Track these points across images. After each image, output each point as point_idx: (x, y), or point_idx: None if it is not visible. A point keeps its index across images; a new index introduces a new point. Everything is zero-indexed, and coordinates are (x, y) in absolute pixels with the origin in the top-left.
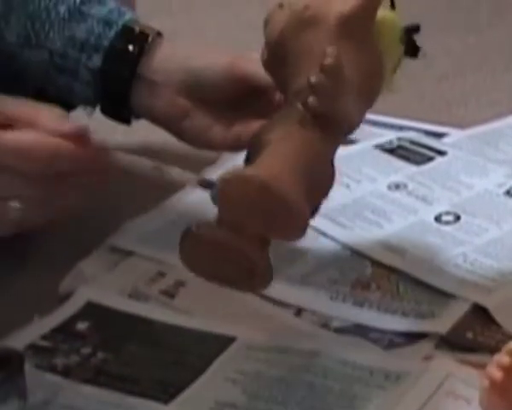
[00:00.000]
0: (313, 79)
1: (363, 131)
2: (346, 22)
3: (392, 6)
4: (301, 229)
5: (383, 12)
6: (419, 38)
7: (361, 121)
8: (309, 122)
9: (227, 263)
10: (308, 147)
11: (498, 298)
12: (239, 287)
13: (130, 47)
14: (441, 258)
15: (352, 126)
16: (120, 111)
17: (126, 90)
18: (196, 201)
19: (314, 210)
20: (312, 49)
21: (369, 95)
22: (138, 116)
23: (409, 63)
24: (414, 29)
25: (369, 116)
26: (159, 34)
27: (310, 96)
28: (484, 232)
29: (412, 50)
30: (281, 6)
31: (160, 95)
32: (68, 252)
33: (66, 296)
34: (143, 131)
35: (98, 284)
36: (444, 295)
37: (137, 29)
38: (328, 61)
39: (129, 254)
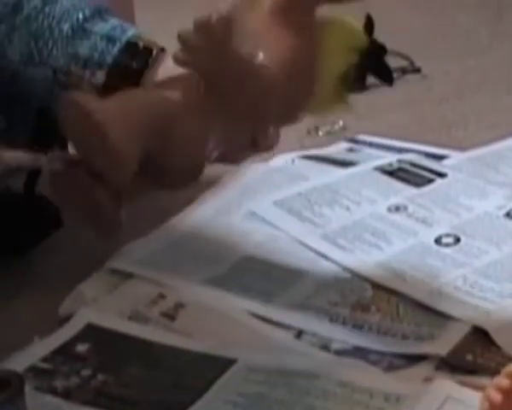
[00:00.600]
0: (181, 33)
1: (363, 153)
2: (278, 7)
3: (368, 24)
4: (120, 169)
5: (347, 19)
6: (420, 61)
7: (282, 115)
8: (192, 84)
9: (78, 197)
10: (174, 105)
11: (498, 320)
12: (88, 225)
13: (134, 63)
14: (441, 280)
15: (261, 111)
16: None
17: None
18: (196, 223)
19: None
20: (248, 29)
21: (294, 86)
22: None
23: (409, 85)
24: (380, 48)
25: (369, 138)
26: (163, 50)
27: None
28: (484, 254)
29: (382, 73)
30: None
31: None
32: (68, 274)
33: (66, 318)
34: None
35: (98, 306)
36: (444, 318)
37: (141, 44)
38: (197, 17)
39: (129, 276)
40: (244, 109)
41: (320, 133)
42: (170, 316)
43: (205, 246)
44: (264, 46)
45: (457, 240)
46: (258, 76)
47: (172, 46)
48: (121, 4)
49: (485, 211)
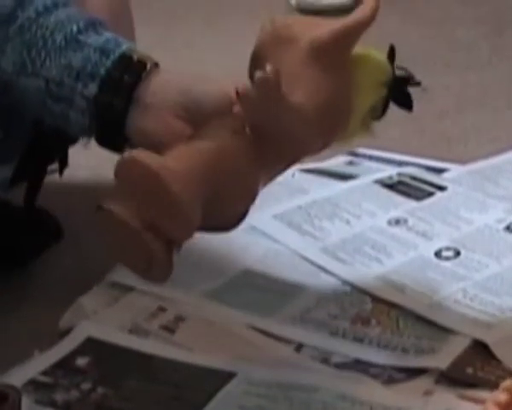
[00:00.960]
0: (239, 89)
1: (362, 166)
2: (317, 47)
3: (391, 55)
4: (186, 227)
5: (374, 53)
6: (420, 75)
7: (316, 149)
8: (240, 131)
9: (129, 245)
10: (228, 154)
11: (498, 334)
12: (138, 272)
13: (127, 76)
14: (441, 293)
15: (300, 150)
16: (115, 140)
17: (121, 118)
18: (196, 236)
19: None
20: (284, 67)
21: (329, 125)
22: (134, 146)
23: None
24: (403, 79)
25: (369, 151)
26: (156, 65)
27: (236, 105)
28: (484, 268)
29: (403, 101)
30: (270, 22)
31: (156, 117)
32: (68, 287)
33: (66, 332)
34: None
35: (98, 320)
36: (444, 331)
37: (135, 57)
38: (259, 74)
39: (129, 289)
40: (287, 152)
41: None
42: (170, 329)
43: (205, 259)
44: (302, 88)
45: (457, 253)
46: (300, 120)
47: (171, 62)
48: (121, 19)
49: (486, 224)
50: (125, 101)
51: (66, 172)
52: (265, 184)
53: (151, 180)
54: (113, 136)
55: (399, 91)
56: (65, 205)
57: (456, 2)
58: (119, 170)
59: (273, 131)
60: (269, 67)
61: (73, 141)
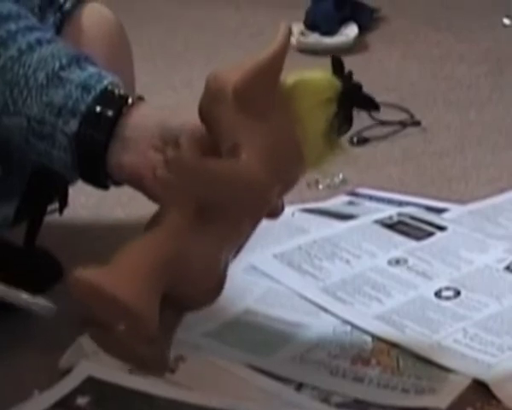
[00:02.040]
0: (157, 174)
1: (362, 206)
2: (239, 96)
3: (336, 67)
4: (146, 325)
5: (310, 74)
6: (420, 114)
7: (275, 195)
8: (190, 213)
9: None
10: (178, 239)
11: (498, 374)
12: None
13: (108, 111)
14: (441, 333)
15: (257, 207)
16: (98, 176)
17: (102, 153)
18: None
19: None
20: (221, 124)
21: (280, 167)
22: (117, 182)
23: (408, 139)
24: (355, 86)
25: (369, 191)
26: (140, 98)
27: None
28: (484, 308)
29: (366, 104)
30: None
31: (136, 151)
32: (68, 327)
33: (67, 371)
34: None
35: (98, 359)
36: (444, 371)
37: (117, 92)
38: (170, 155)
39: None
40: (241, 213)
41: (320, 186)
42: (170, 369)
43: None
44: (242, 142)
45: (457, 293)
46: (245, 180)
47: (171, 96)
48: (120, 55)
49: (486, 264)
50: (105, 136)
51: (66, 211)
52: (236, 251)
53: (98, 296)
54: (95, 171)
55: (357, 98)
56: (65, 244)
57: (456, 41)
58: (72, 288)
59: (214, 202)
60: (183, 139)
61: (73, 180)
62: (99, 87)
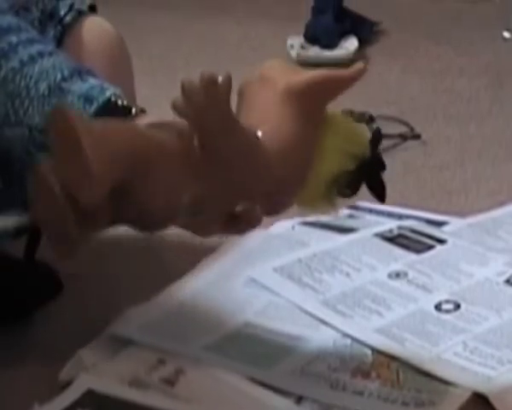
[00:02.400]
0: (185, 84)
1: (363, 219)
2: (291, 91)
3: (375, 138)
4: (92, 191)
5: (354, 124)
6: (420, 127)
7: (266, 192)
8: (186, 136)
9: (46, 204)
10: (162, 149)
11: (499, 387)
12: (51, 239)
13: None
14: (441, 346)
15: (248, 183)
16: None
17: None
18: (196, 289)
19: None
20: (258, 102)
21: (285, 169)
22: None
23: (409, 152)
24: (379, 163)
25: (369, 205)
26: (142, 111)
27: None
28: (484, 321)
29: (376, 189)
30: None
31: None
32: (68, 340)
33: (66, 384)
34: None
35: (98, 372)
36: (444, 384)
37: (120, 103)
38: (206, 73)
39: (129, 342)
40: (231, 180)
41: None
42: (170, 382)
43: (205, 312)
44: (269, 125)
45: (457, 306)
46: (255, 152)
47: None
48: (121, 68)
49: (486, 277)
50: None
51: None
52: (196, 208)
53: (69, 134)
54: None
55: (374, 177)
56: None
57: (456, 54)
58: (49, 121)
59: (220, 149)
60: (222, 76)
61: None
62: (101, 98)
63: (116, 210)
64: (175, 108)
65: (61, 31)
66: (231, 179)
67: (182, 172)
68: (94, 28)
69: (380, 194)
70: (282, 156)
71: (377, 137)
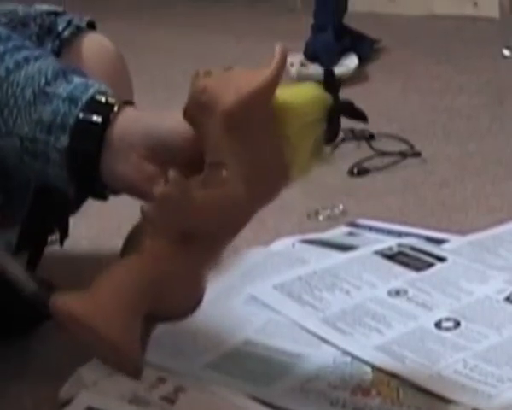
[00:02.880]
0: (143, 209)
1: (363, 237)
2: (229, 118)
3: (328, 81)
4: (127, 360)
5: (302, 92)
6: (420, 144)
7: (255, 211)
8: (174, 237)
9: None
10: (157, 262)
11: (499, 404)
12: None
13: (96, 120)
14: (441, 364)
15: (235, 227)
16: (93, 187)
17: (96, 164)
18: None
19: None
20: (207, 138)
21: (263, 189)
22: (114, 191)
23: (409, 169)
24: (347, 104)
25: (369, 222)
26: (128, 103)
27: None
28: (484, 339)
29: (355, 116)
30: (196, 76)
31: (126, 161)
32: (68, 358)
33: (67, 402)
34: None
35: (98, 390)
36: (444, 401)
37: (103, 99)
38: (158, 190)
39: None
40: (224, 233)
41: (320, 217)
42: (170, 400)
43: (205, 330)
44: (228, 157)
45: (457, 324)
46: (231, 206)
47: None
48: (120, 85)
49: (486, 295)
50: (96, 145)
51: (67, 242)
52: (214, 266)
53: (78, 326)
54: (90, 183)
55: (348, 112)
56: (65, 275)
57: (455, 72)
58: (53, 312)
59: (199, 228)
60: (172, 174)
61: (73, 210)
62: (85, 98)
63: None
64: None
65: (59, 45)
66: (223, 232)
67: (182, 264)
68: (93, 45)
69: (362, 117)
70: (255, 178)
71: (329, 76)
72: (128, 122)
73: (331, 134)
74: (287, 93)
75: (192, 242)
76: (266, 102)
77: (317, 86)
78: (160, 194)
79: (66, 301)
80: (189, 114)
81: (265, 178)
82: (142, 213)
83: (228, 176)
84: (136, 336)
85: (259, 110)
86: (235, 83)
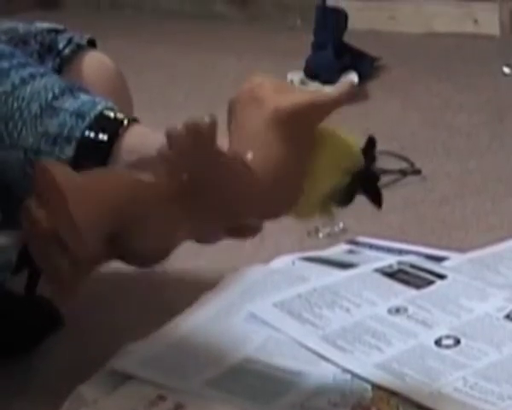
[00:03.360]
0: (169, 132)
1: (363, 254)
2: (279, 117)
3: (368, 146)
4: (80, 246)
5: (346, 138)
6: (420, 162)
7: (256, 215)
8: (172, 174)
9: (42, 250)
10: (149, 192)
11: None
12: (50, 283)
13: (103, 135)
14: (441, 382)
15: (237, 210)
16: None
17: None
18: (197, 324)
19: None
20: (246, 125)
21: (274, 194)
22: None
23: (408, 187)
24: (374, 175)
25: (369, 240)
26: (135, 120)
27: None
28: (484, 356)
29: (373, 196)
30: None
31: None
32: (68, 376)
33: None
34: None
35: (98, 408)
36: None
37: (112, 115)
38: (190, 120)
39: (128, 377)
40: (220, 206)
41: (320, 235)
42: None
43: (205, 348)
44: (257, 150)
45: (457, 342)
46: (242, 179)
47: None
48: (120, 103)
49: (486, 313)
50: (103, 159)
51: None
52: (193, 234)
53: (54, 192)
54: None
55: (370, 185)
56: None
57: (455, 90)
58: (35, 175)
59: (205, 181)
60: (207, 117)
61: None
62: (93, 113)
63: (110, 252)
64: (160, 156)
65: (60, 63)
66: (221, 206)
67: (172, 210)
68: (93, 63)
69: (375, 200)
70: (271, 179)
71: (371, 144)
72: (136, 138)
73: (346, 196)
74: (334, 129)
75: (193, 197)
76: (317, 120)
77: (356, 142)
78: (190, 124)
79: (55, 166)
80: (234, 101)
81: (277, 190)
82: (168, 141)
83: (252, 162)
84: (95, 235)
85: (307, 124)
86: (294, 92)
